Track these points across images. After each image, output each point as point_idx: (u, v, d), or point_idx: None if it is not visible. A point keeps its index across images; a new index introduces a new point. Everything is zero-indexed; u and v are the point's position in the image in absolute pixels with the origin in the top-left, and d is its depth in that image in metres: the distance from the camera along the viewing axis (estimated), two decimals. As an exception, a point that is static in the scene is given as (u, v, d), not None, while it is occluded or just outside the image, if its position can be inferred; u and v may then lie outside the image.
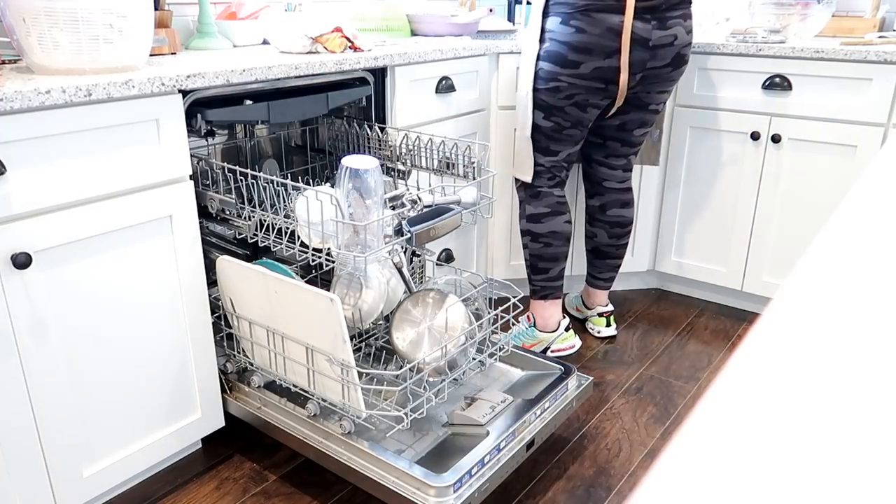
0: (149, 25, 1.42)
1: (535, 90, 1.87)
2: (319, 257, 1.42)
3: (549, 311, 2.07)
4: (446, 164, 1.70)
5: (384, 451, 1.37)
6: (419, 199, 1.51)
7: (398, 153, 1.81)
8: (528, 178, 1.98)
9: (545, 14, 1.82)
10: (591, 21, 1.74)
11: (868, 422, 0.31)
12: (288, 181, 1.44)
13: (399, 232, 1.41)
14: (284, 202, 1.45)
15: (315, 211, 1.38)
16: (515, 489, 1.57)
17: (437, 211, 1.50)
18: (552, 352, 2.09)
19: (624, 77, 1.80)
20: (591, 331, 2.25)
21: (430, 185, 1.67)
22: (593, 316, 2.24)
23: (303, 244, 1.44)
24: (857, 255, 0.48)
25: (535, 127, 1.91)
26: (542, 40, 1.84)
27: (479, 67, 2.12)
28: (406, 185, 1.74)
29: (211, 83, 1.41)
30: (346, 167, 1.38)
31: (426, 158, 1.76)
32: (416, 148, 1.77)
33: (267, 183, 1.44)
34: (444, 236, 1.52)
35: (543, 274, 2.04)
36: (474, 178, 1.65)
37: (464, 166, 1.69)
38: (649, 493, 0.27)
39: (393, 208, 1.46)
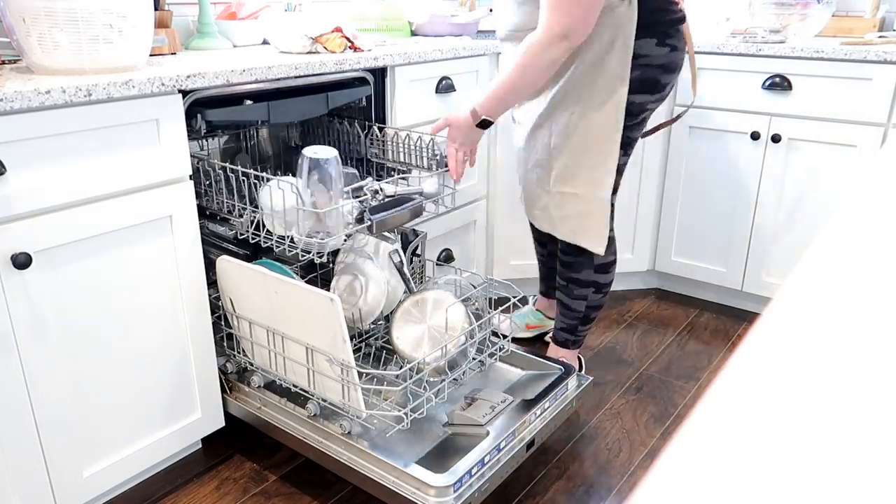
0: (149, 25, 1.42)
1: (624, 128, 1.59)
2: (283, 244, 1.47)
3: (575, 359, 1.94)
4: (436, 163, 1.73)
5: (384, 451, 1.37)
6: (381, 189, 1.57)
7: (391, 151, 1.83)
8: (601, 249, 1.70)
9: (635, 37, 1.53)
10: (680, 35, 1.58)
11: (868, 422, 0.31)
12: (251, 171, 1.47)
13: (361, 220, 1.47)
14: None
15: (277, 199, 1.41)
16: (515, 489, 1.57)
17: (399, 200, 1.56)
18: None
19: (695, 88, 1.76)
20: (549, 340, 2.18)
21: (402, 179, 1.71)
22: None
23: (280, 236, 1.48)
24: (857, 256, 0.48)
25: (616, 170, 1.65)
26: (631, 69, 1.54)
27: (479, 67, 2.12)
28: (373, 177, 1.75)
29: (211, 83, 1.41)
30: (306, 157, 1.41)
31: (391, 151, 1.83)
32: (405, 146, 1.80)
33: (231, 173, 1.47)
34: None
35: (590, 323, 1.86)
36: (436, 170, 1.70)
37: (427, 159, 1.74)
38: (649, 493, 0.27)
39: (357, 198, 1.50)
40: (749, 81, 2.17)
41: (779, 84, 2.11)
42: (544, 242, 2.04)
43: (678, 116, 1.93)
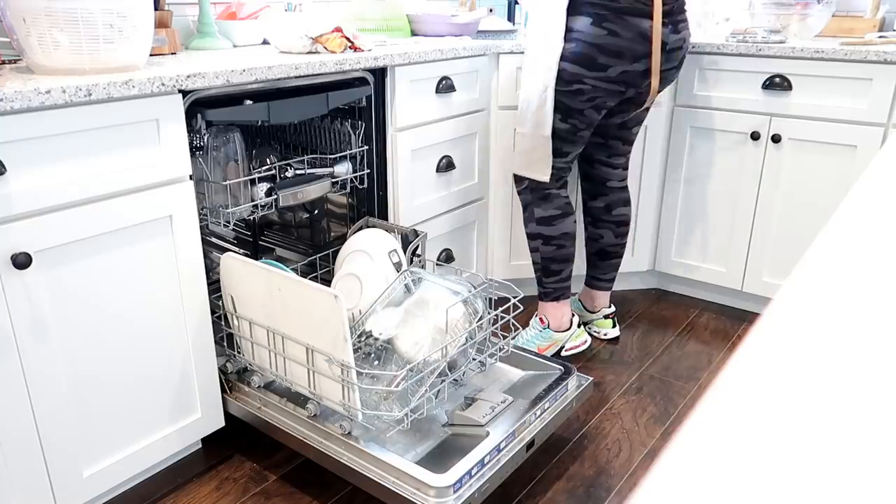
0: (149, 25, 1.42)
1: (556, 92, 1.80)
2: (217, 222, 1.70)
3: (562, 311, 2.07)
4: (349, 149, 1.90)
5: (384, 451, 1.37)
6: (290, 167, 1.81)
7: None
8: (545, 178, 1.92)
9: (569, 12, 1.74)
10: (624, 24, 1.71)
11: (868, 422, 0.31)
12: None
13: (269, 193, 1.71)
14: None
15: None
16: (515, 489, 1.57)
17: (306, 178, 1.80)
18: (567, 350, 2.10)
19: (655, 82, 1.81)
20: (595, 334, 2.24)
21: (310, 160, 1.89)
22: (598, 318, 2.24)
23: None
24: (857, 256, 0.48)
25: (556, 135, 1.86)
26: (566, 40, 1.75)
27: (479, 67, 2.12)
28: (290, 162, 1.86)
29: (211, 83, 1.41)
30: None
31: (309, 135, 2.01)
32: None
33: None
34: (416, 227, 1.52)
35: (556, 276, 2.03)
36: (346, 154, 1.87)
37: (340, 141, 1.92)
38: (649, 493, 0.27)
39: (273, 178, 1.75)
40: (749, 81, 2.17)
41: (779, 84, 2.11)
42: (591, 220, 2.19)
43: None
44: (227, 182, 1.66)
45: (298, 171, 1.81)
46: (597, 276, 2.21)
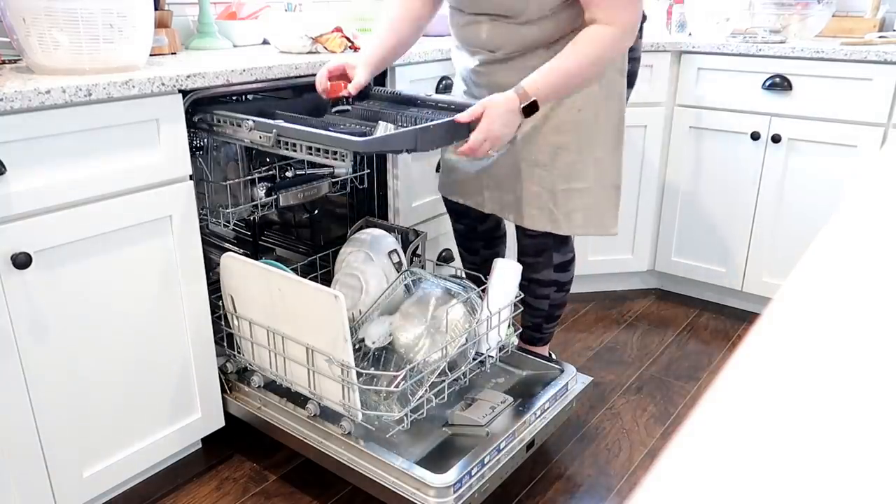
0: (149, 25, 1.42)
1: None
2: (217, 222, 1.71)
3: (546, 352, 1.94)
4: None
5: (384, 451, 1.37)
6: (290, 167, 1.80)
7: None
8: (615, 231, 1.68)
9: None
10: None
11: (868, 422, 0.31)
12: None
13: (269, 193, 1.70)
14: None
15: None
16: (515, 489, 1.57)
17: (305, 179, 1.78)
18: None
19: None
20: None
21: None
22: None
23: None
24: (857, 256, 0.48)
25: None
26: (630, 59, 1.58)
27: (479, 67, 2.11)
28: (290, 162, 1.83)
29: (211, 83, 1.41)
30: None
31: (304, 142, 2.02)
32: None
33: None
34: (416, 227, 1.50)
35: (556, 322, 1.87)
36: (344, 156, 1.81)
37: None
38: (649, 493, 0.27)
39: (273, 178, 1.76)
40: (749, 81, 2.17)
41: (779, 84, 2.11)
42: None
43: None
44: (228, 182, 1.66)
45: (298, 172, 1.81)
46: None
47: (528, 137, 1.60)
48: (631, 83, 1.64)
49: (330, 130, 1.33)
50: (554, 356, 1.98)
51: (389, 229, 1.79)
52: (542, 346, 1.90)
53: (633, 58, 1.61)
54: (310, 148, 1.33)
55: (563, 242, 1.73)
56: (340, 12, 2.27)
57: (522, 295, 1.66)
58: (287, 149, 1.37)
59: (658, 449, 1.71)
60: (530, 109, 1.42)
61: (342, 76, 1.56)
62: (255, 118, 1.41)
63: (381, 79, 1.84)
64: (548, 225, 1.65)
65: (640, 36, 1.60)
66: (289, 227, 2.24)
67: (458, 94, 1.74)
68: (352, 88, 1.53)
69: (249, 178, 1.70)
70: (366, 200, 1.96)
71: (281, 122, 1.39)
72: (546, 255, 1.72)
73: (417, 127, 1.34)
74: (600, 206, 1.64)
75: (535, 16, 1.45)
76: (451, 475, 1.30)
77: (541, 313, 1.81)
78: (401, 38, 1.62)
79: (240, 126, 1.42)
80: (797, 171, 2.16)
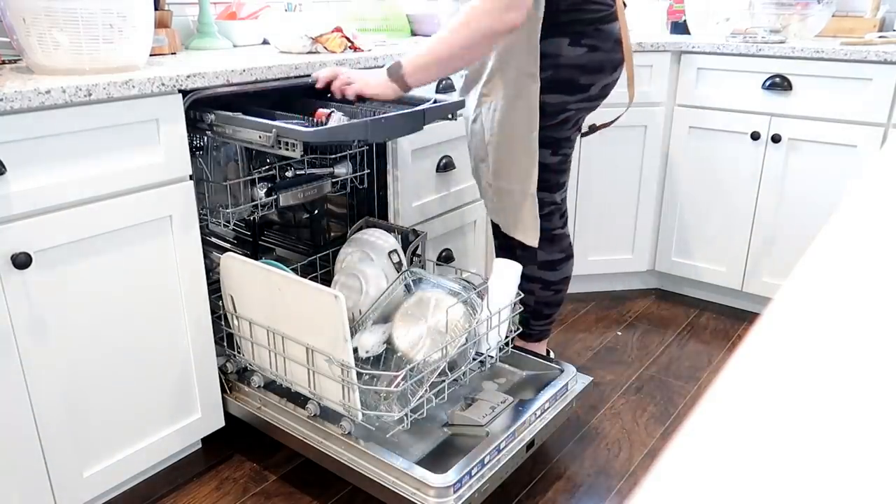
0: (149, 25, 1.42)
1: (541, 129, 1.58)
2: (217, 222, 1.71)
3: (542, 349, 1.94)
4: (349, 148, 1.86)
5: (384, 451, 1.37)
6: (290, 167, 1.76)
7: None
8: (534, 242, 1.70)
9: (542, 39, 1.51)
10: (602, 35, 1.53)
11: (868, 422, 0.31)
12: None
13: (270, 193, 1.67)
14: None
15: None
16: (515, 489, 1.57)
17: (306, 179, 1.77)
18: None
19: (632, 91, 1.70)
20: None
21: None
22: None
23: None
24: (857, 256, 0.48)
25: (542, 167, 1.63)
26: (542, 69, 1.53)
27: (479, 67, 2.11)
28: (290, 162, 1.81)
29: (211, 83, 1.41)
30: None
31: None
32: None
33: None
34: (415, 227, 1.50)
35: (546, 319, 1.87)
36: (346, 154, 1.83)
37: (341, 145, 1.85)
38: (649, 493, 0.27)
39: (273, 178, 1.73)
40: (749, 81, 2.17)
41: (779, 84, 2.11)
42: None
43: (615, 119, 1.81)
44: (228, 182, 1.66)
45: (298, 172, 1.81)
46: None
47: (471, 132, 1.70)
48: (553, 88, 1.55)
49: (282, 122, 1.39)
50: (552, 356, 1.99)
51: (389, 229, 1.79)
52: (534, 342, 1.90)
53: (557, 64, 1.53)
54: (262, 139, 1.37)
55: (550, 241, 1.75)
56: (340, 12, 2.27)
57: (522, 295, 1.66)
58: (231, 140, 1.45)
59: (658, 449, 1.71)
60: (395, 70, 1.49)
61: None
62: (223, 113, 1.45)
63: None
64: (495, 217, 1.77)
65: (578, 44, 1.52)
66: (289, 227, 2.24)
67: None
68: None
69: (249, 178, 1.69)
70: (366, 200, 1.96)
71: (240, 115, 1.43)
72: (530, 250, 1.74)
73: (369, 118, 1.41)
74: (521, 211, 1.68)
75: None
76: (451, 475, 1.30)
77: (527, 309, 1.82)
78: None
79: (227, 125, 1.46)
80: (797, 171, 2.16)
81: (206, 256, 1.52)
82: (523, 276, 1.74)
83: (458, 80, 2.02)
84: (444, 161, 2.06)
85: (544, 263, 1.77)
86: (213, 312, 1.57)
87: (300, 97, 1.66)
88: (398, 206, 1.95)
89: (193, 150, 1.62)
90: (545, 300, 1.82)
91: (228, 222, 1.68)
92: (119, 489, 1.53)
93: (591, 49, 1.53)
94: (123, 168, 1.32)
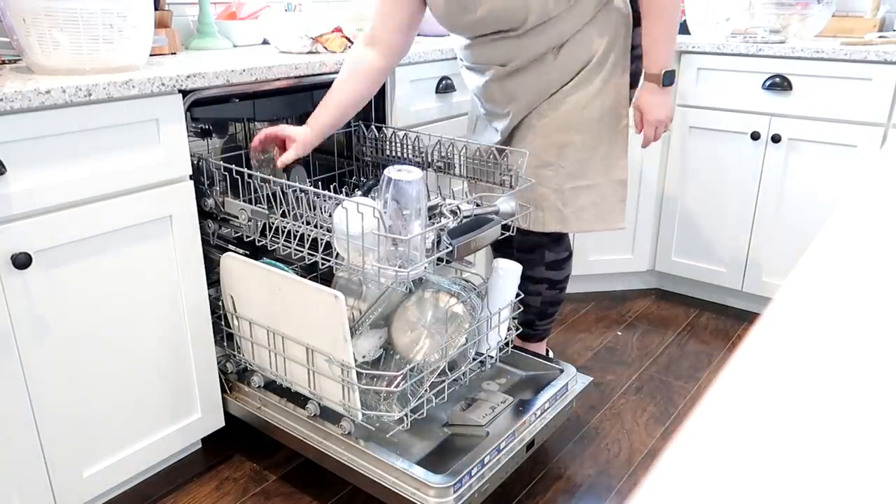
0: (149, 25, 1.42)
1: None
2: (329, 261, 1.37)
3: (543, 348, 1.96)
4: (445, 164, 1.70)
5: (384, 451, 1.37)
6: (458, 209, 1.40)
7: (420, 156, 1.77)
8: (623, 224, 1.68)
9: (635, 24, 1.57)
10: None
11: (868, 422, 0.31)
12: (322, 191, 1.34)
13: (439, 244, 1.32)
14: (311, 209, 1.36)
15: (355, 223, 1.25)
16: (515, 489, 1.57)
17: (477, 222, 1.40)
18: None
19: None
20: None
21: (465, 195, 1.63)
22: None
23: (313, 248, 1.39)
24: (857, 256, 0.48)
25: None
26: (632, 59, 1.59)
27: (479, 67, 2.11)
28: (440, 194, 1.62)
29: (211, 83, 1.41)
30: (390, 179, 1.25)
31: (459, 166, 1.68)
32: (427, 150, 1.76)
33: (301, 192, 1.35)
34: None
35: (549, 318, 1.87)
36: (511, 188, 1.53)
37: (500, 174, 1.59)
38: (649, 493, 0.27)
39: (431, 219, 1.36)
40: (749, 81, 2.17)
41: (779, 84, 2.11)
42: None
43: None
44: (409, 237, 1.29)
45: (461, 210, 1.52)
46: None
47: (531, 140, 1.61)
48: (634, 83, 1.63)
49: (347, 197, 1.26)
50: (552, 355, 1.99)
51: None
52: (536, 342, 1.90)
53: (637, 56, 1.59)
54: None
55: (557, 241, 1.74)
56: (340, 12, 2.27)
57: (522, 295, 1.66)
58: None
59: (658, 449, 1.71)
60: (669, 78, 1.56)
61: (277, 139, 1.55)
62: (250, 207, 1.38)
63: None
64: (557, 225, 1.65)
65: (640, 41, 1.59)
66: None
67: (474, 114, 1.78)
68: (279, 163, 1.53)
69: (429, 228, 1.43)
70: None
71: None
72: (539, 252, 1.74)
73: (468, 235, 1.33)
74: (608, 202, 1.64)
75: (536, 23, 1.47)
76: (451, 476, 1.30)
77: (533, 310, 1.82)
78: (344, 111, 1.56)
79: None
80: (797, 171, 2.16)
81: (206, 256, 1.52)
82: (530, 279, 1.74)
83: (458, 80, 2.02)
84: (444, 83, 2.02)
85: (552, 263, 1.77)
86: (213, 312, 1.57)
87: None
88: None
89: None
90: (550, 299, 1.82)
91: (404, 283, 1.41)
92: (119, 489, 1.53)
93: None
94: (123, 168, 1.32)
